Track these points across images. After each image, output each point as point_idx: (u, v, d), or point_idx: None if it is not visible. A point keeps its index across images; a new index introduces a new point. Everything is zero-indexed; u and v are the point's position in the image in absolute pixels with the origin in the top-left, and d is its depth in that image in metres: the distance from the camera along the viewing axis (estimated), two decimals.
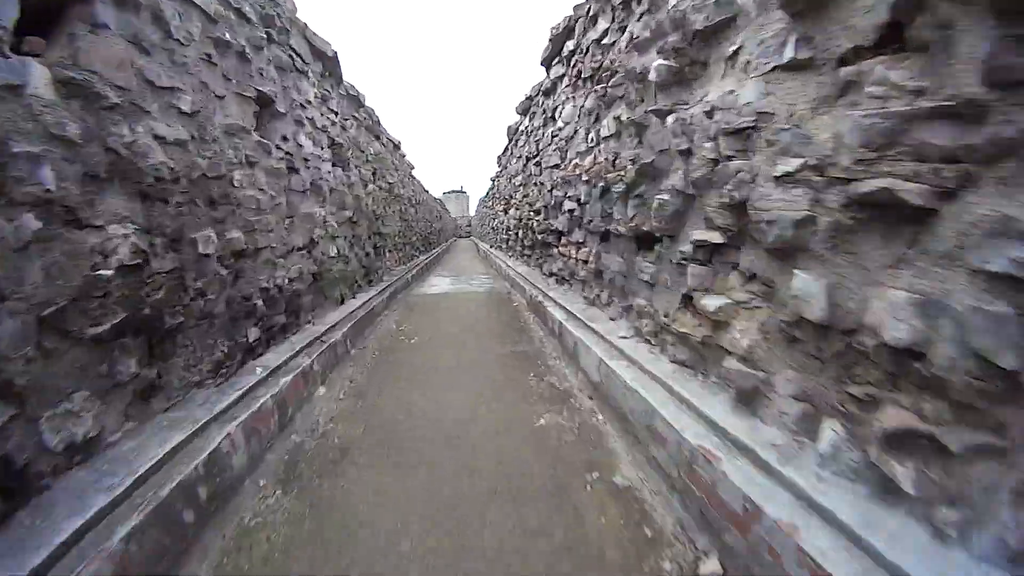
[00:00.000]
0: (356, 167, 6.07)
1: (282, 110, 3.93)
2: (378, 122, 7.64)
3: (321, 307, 4.46)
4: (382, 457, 2.36)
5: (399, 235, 9.67)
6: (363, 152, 6.54)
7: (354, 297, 5.46)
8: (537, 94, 6.20)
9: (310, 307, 4.13)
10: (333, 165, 5.19)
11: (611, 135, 3.37)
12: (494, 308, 6.03)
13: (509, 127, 8.74)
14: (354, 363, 3.88)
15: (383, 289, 6.39)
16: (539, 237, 6.35)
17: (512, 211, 9.14)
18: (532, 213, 6.79)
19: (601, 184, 3.55)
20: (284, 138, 3.92)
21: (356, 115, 6.38)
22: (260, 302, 3.23)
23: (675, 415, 2.03)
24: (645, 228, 2.86)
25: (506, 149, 10.14)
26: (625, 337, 3.12)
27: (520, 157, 7.73)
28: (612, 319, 3.56)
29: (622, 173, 3.10)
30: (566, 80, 4.79)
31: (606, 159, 3.47)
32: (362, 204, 6.02)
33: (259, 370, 2.87)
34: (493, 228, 15.36)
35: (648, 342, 2.88)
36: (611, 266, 3.56)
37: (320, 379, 3.39)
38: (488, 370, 3.56)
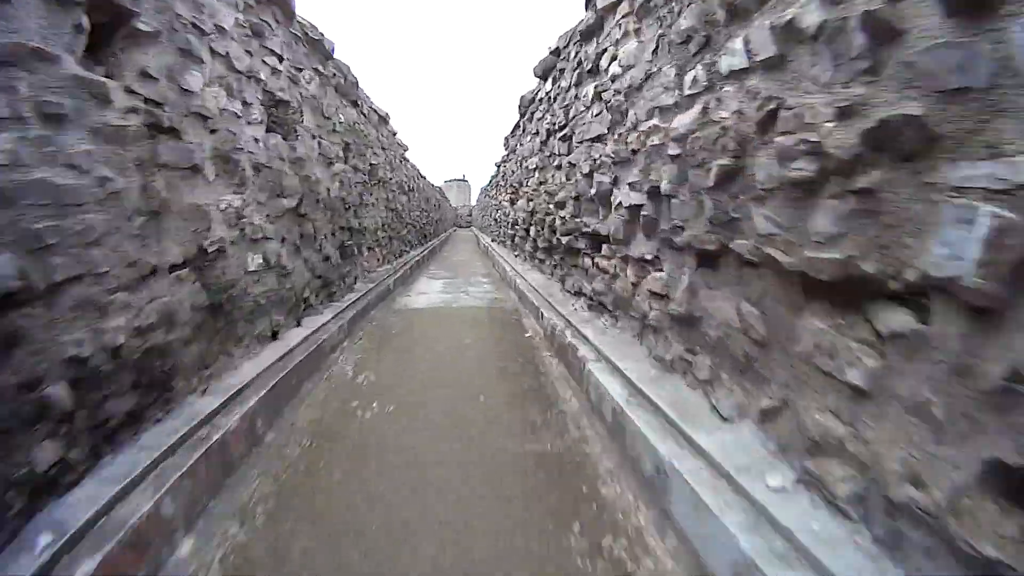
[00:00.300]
0: (315, 137, 4.37)
1: (149, 29, 2.23)
2: (356, 84, 5.90)
3: (228, 355, 2.80)
4: None
5: (384, 228, 7.98)
6: (328, 119, 4.83)
7: (299, 324, 3.79)
8: (568, 43, 4.47)
9: (198, 364, 2.46)
10: (268, 131, 3.50)
11: (758, 62, 1.68)
12: (499, 341, 4.36)
13: (522, 98, 7.01)
14: (260, 475, 2.21)
15: (347, 307, 4.72)
16: (562, 240, 4.67)
17: (522, 202, 7.45)
18: (552, 206, 5.11)
19: (719, 163, 1.87)
20: (146, 75, 2.22)
21: (320, 69, 4.66)
22: (61, 390, 1.58)
23: None
24: (869, 268, 1.20)
25: (517, 127, 8.41)
26: (783, 491, 1.48)
27: (536, 133, 6.02)
28: (727, 419, 1.90)
29: (810, 137, 1.42)
30: (624, 7, 3.08)
31: (738, 112, 1.78)
32: (318, 189, 4.32)
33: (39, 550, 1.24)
34: (495, 220, 13.65)
35: (869, 535, 1.22)
36: (725, 317, 1.90)
37: (181, 525, 1.72)
38: (495, 515, 1.90)
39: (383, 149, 7.79)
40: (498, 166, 12.22)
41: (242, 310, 2.96)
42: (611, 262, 3.46)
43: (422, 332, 4.59)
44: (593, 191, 3.59)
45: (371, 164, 6.85)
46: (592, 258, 3.92)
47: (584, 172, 3.84)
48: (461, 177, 51.41)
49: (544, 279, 5.85)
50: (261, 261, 3.25)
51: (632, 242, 2.99)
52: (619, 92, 3.11)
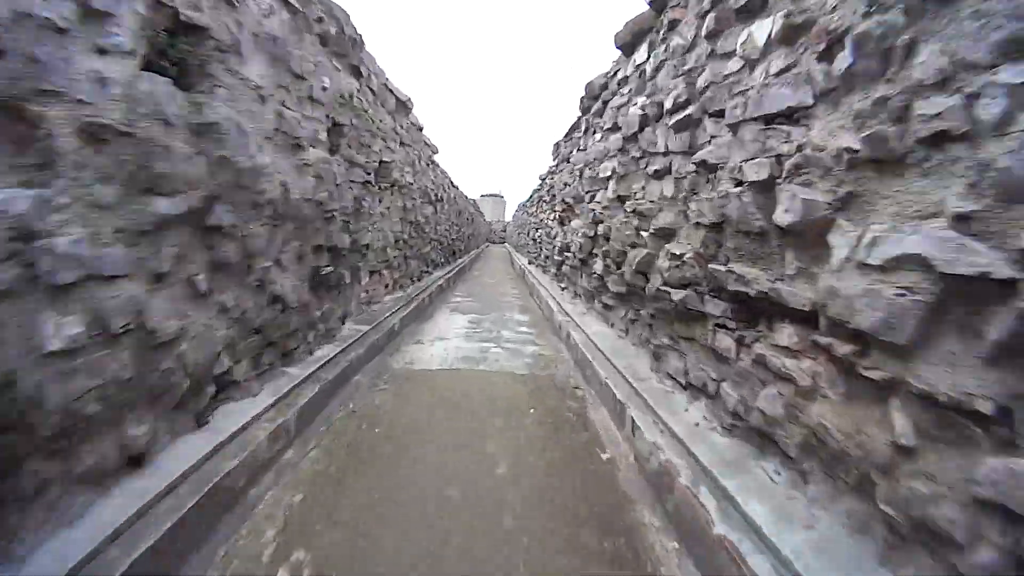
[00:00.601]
0: (264, 99, 2.67)
1: None
2: (357, 42, 4.22)
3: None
4: None
5: (399, 245, 6.28)
6: (302, 80, 3.14)
7: (198, 426, 2.03)
8: None
9: None
10: (146, 69, 1.80)
11: None
12: (556, 471, 2.49)
13: (589, 85, 5.21)
14: None
15: (309, 376, 2.96)
16: (666, 292, 2.80)
17: (578, 222, 5.62)
18: (644, 234, 3.27)
19: None
20: None
21: (293, 1, 2.98)
22: None
23: None
24: None
25: (574, 128, 6.63)
26: None
27: (613, 128, 4.19)
28: None
29: None
30: None
31: None
32: (260, 184, 2.57)
33: None
34: (534, 240, 11.86)
35: None
36: None
37: None
38: None
39: (401, 145, 6.11)
40: (543, 179, 10.46)
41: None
42: (814, 367, 1.59)
43: (423, 434, 2.76)
44: (786, 216, 1.73)
45: (382, 161, 5.15)
46: (744, 343, 2.05)
47: (745, 180, 1.99)
48: (497, 192, 50.32)
49: (613, 336, 3.97)
50: (79, 330, 1.51)
51: (926, 351, 1.13)
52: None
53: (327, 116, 3.60)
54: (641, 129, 3.38)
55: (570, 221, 6.55)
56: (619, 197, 3.85)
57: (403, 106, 5.97)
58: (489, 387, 3.53)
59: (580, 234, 5.37)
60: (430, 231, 8.50)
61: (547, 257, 9.21)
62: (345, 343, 3.77)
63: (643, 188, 3.41)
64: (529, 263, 12.45)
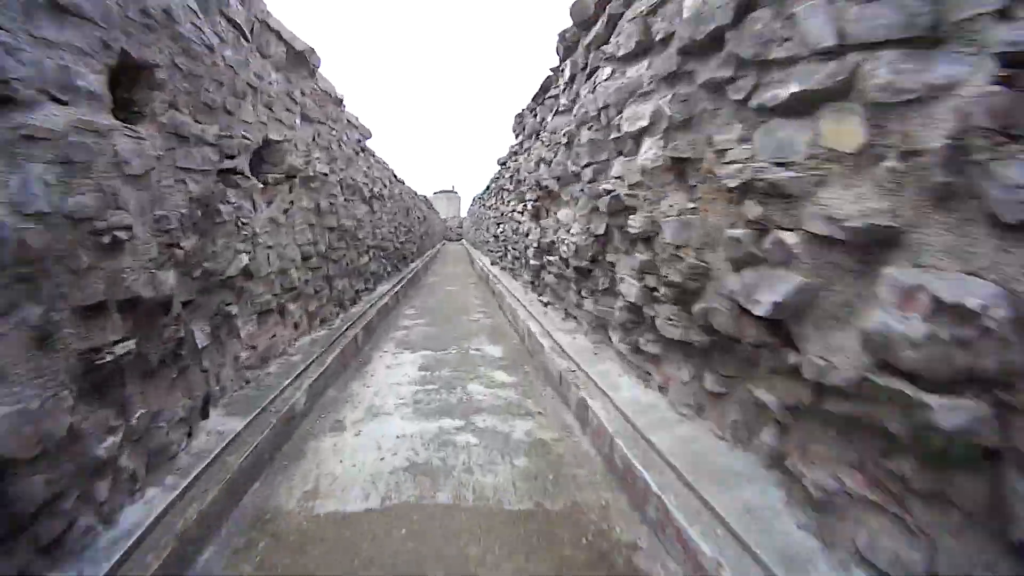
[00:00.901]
0: None
1: None
2: None
3: None
4: None
5: (316, 262, 4.39)
6: None
7: None
8: None
9: None
10: None
11: None
12: None
13: (577, 5, 3.48)
14: None
15: None
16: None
17: (566, 212, 3.91)
18: (780, 234, 1.57)
19: None
20: None
21: None
22: None
23: None
24: None
25: (550, 85, 4.90)
26: None
27: (645, 51, 2.49)
28: None
29: None
30: None
31: None
32: None
33: None
34: (496, 237, 10.11)
35: None
36: None
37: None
38: None
39: (305, 120, 4.20)
40: (503, 163, 8.68)
41: None
42: None
43: None
44: None
45: (268, 140, 3.27)
46: None
47: None
48: (450, 188, 47.98)
49: (672, 416, 2.28)
50: None
51: None
52: None
53: (103, 43, 1.73)
54: (742, 17, 1.67)
55: (548, 214, 4.83)
56: (674, 163, 2.14)
57: (301, 61, 4.04)
58: (459, 559, 1.77)
59: (575, 231, 3.65)
60: (365, 237, 6.58)
61: (516, 258, 7.48)
62: (186, 477, 1.92)
63: (742, 139, 1.72)
64: (492, 264, 10.69)
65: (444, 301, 7.69)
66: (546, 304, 5.12)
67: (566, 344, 3.66)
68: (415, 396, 3.41)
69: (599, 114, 3.07)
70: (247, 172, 3.11)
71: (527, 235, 5.91)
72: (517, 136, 7.07)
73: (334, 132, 5.13)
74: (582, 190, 3.48)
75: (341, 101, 5.37)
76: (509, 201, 8.01)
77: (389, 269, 8.71)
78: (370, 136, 7.00)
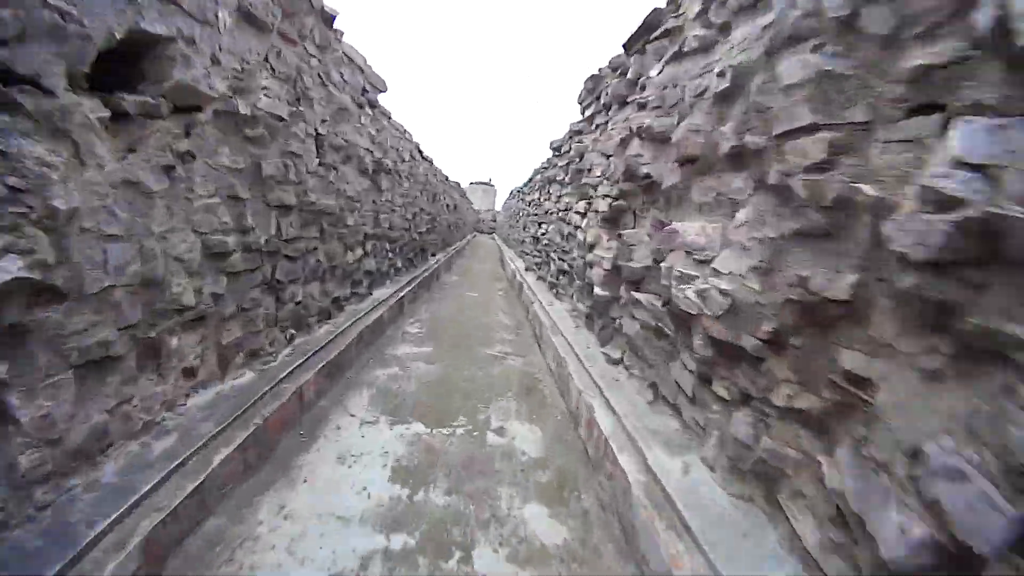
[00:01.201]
0: None
1: None
2: None
3: None
4: None
5: (237, 261, 2.58)
6: None
7: None
8: None
9: None
10: None
11: None
12: None
13: None
14: None
15: None
16: None
17: (705, 225, 2.02)
18: None
19: None
20: None
21: None
22: None
23: None
24: None
25: (652, 28, 2.98)
26: None
27: None
28: None
29: None
30: None
31: None
32: None
33: None
34: (536, 238, 8.21)
35: None
36: None
37: None
38: None
39: (251, 25, 2.39)
40: (557, 148, 6.73)
41: None
42: None
43: None
44: None
45: (138, 34, 1.44)
46: None
47: None
48: (487, 180, 46.08)
49: None
50: None
51: None
52: None
53: None
54: None
55: (638, 222, 2.89)
56: None
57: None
58: None
59: (731, 267, 1.74)
60: (360, 223, 4.77)
61: (563, 272, 5.58)
62: None
63: None
64: (527, 269, 8.79)
65: (461, 314, 5.84)
66: (617, 362, 3.21)
67: (678, 493, 1.76)
68: None
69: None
70: (52, 84, 1.31)
71: (591, 247, 4.00)
72: (585, 109, 5.14)
73: (313, 61, 3.31)
74: (766, 185, 1.56)
75: (332, 21, 3.54)
76: (560, 197, 6.10)
77: (400, 265, 6.92)
78: (384, 90, 5.19)
